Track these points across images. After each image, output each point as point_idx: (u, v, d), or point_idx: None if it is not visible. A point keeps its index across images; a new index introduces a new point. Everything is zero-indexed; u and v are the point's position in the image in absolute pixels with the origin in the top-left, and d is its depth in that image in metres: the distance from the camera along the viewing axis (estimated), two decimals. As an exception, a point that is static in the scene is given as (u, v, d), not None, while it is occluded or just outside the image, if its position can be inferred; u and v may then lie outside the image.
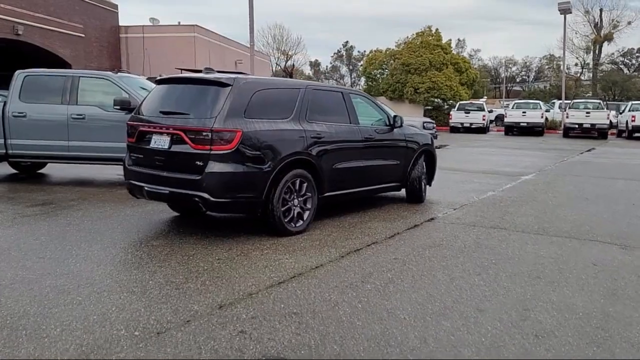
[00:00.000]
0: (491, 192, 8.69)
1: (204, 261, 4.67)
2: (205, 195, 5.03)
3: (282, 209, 5.50)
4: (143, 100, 5.89)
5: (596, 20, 55.97)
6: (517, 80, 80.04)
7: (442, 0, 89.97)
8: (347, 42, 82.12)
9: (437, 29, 33.33)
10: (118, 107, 8.23)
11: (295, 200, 5.67)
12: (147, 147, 5.46)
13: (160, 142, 5.33)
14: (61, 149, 8.57)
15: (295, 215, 5.67)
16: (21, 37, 21.22)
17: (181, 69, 28.65)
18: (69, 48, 23.86)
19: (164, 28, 35.48)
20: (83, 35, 25.65)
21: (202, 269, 4.44)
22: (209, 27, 35.90)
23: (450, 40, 33.53)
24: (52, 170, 10.33)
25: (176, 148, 5.22)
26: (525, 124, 25.58)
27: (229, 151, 5.04)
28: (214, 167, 5.02)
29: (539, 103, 28.07)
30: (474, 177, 10.59)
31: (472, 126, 27.25)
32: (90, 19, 28.22)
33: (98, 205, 7.12)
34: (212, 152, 5.02)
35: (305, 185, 5.74)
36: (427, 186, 7.94)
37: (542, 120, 25.97)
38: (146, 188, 5.40)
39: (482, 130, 27.53)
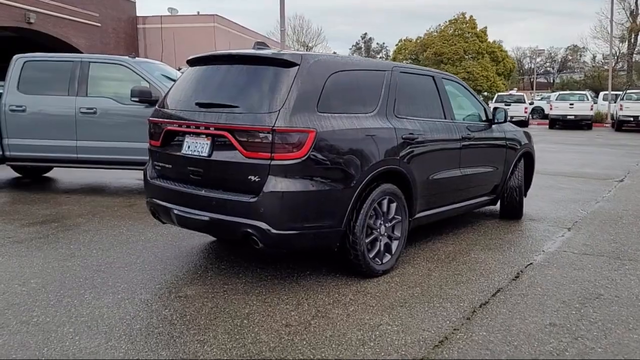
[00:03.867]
0: (596, 203, 6.97)
1: (265, 329, 3.08)
2: (264, 226, 3.43)
3: (367, 241, 3.89)
4: (170, 89, 4.30)
5: (632, 7, 53.13)
6: (541, 71, 77.07)
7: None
8: (365, 34, 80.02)
9: (471, 16, 31.33)
10: (136, 99, 6.70)
11: (382, 227, 4.05)
12: (178, 153, 3.88)
13: (196, 146, 3.75)
14: (68, 151, 7.05)
15: (382, 248, 4.06)
16: (33, 25, 19.87)
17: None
18: (83, 38, 22.49)
19: (183, 18, 34.02)
20: (99, 25, 24.28)
21: (265, 347, 2.85)
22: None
23: (486, 27, 31.42)
24: (61, 173, 8.84)
25: (220, 156, 3.63)
26: (573, 117, 23.57)
27: (298, 160, 3.43)
28: (277, 184, 3.41)
29: (585, 94, 25.99)
30: (557, 180, 8.84)
31: (513, 119, 25.23)
32: (106, 9, 26.77)
33: (112, 223, 5.58)
34: (274, 162, 3.41)
35: (394, 205, 4.12)
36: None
37: (592, 113, 23.93)
38: (176, 211, 3.82)
39: (524, 123, 25.51)
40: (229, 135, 3.52)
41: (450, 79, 5.23)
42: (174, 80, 7.48)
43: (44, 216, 5.88)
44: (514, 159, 5.78)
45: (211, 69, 3.97)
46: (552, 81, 73.04)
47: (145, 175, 4.24)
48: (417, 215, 4.46)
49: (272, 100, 3.50)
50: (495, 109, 5.52)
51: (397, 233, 4.20)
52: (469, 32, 30.79)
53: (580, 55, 70.32)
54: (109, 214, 6.06)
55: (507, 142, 5.67)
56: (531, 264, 4.42)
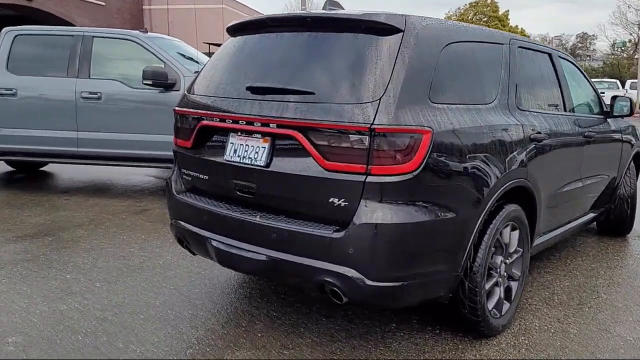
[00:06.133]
0: (701, 214, 5.78)
1: None
2: (353, 274, 2.26)
3: (487, 287, 2.72)
4: (204, 67, 3.08)
5: (652, -8, 51.34)
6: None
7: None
8: (375, 19, 78.17)
9: (493, -1, 29.88)
10: (149, 82, 5.53)
11: (503, 266, 2.88)
12: (218, 159, 2.70)
13: (246, 150, 2.56)
14: (67, 144, 5.87)
15: (502, 295, 2.88)
16: (34, 3, 18.68)
17: (210, 44, 25.89)
18: (87, 17, 21.27)
19: (191, -1, 32.62)
20: (103, 4, 23.01)
21: None
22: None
23: (508, 11, 29.95)
24: (59, 167, 7.65)
25: (284, 166, 2.45)
26: (604, 107, 22.20)
27: (407, 176, 2.24)
28: (375, 211, 2.23)
29: (615, 82, 24.62)
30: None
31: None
32: (111, -12, 25.51)
33: (119, 238, 4.43)
34: (371, 177, 2.23)
35: (516, 234, 2.94)
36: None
37: (624, 103, 22.57)
38: (215, 243, 2.65)
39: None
40: (300, 136, 2.33)
41: (565, 58, 4.01)
42: (193, 60, 6.32)
43: (36, 226, 4.73)
44: (628, 161, 4.59)
45: (268, 39, 2.74)
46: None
47: (169, 187, 3.04)
48: (536, 243, 3.29)
49: (367, 85, 2.30)
50: (614, 97, 4.32)
51: (517, 271, 3.02)
52: (490, 16, 29.35)
53: (590, 43, 68.49)
54: (115, 223, 4.90)
55: (623, 138, 4.47)
56: (691, 311, 3.24)
